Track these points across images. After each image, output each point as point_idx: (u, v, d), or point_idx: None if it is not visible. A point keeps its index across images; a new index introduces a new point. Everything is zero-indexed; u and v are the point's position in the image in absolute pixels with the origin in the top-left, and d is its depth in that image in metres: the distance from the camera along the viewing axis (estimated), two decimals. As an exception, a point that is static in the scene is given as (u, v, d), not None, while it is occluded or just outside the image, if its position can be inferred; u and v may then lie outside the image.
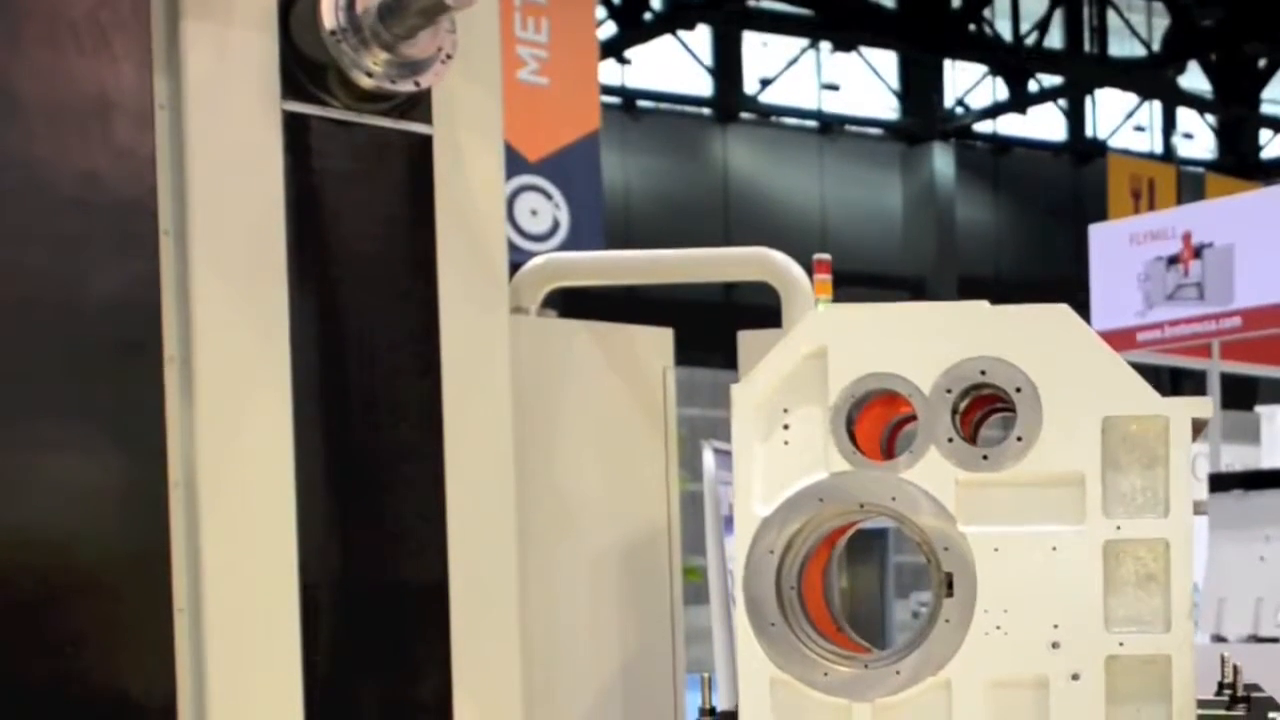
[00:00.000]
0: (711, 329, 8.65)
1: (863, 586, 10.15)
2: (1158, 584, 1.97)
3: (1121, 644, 1.94)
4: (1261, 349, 9.90)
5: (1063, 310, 2.00)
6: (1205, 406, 2.02)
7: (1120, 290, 10.26)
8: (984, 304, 1.98)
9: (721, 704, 2.06)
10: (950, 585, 1.91)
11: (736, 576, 1.86)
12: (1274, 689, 2.14)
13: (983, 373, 1.95)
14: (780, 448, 1.91)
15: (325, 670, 3.27)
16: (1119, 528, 1.96)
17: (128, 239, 3.33)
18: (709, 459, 6.00)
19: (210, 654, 3.09)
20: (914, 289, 20.35)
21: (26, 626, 3.12)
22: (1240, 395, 11.54)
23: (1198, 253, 10.05)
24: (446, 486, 3.47)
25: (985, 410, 2.02)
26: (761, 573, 1.87)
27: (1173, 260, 10.16)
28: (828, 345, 1.93)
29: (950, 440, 1.94)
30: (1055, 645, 1.92)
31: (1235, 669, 2.09)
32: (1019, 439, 1.95)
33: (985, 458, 1.94)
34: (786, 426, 1.92)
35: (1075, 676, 1.92)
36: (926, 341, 1.95)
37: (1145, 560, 1.98)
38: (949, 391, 1.94)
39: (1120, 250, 10.50)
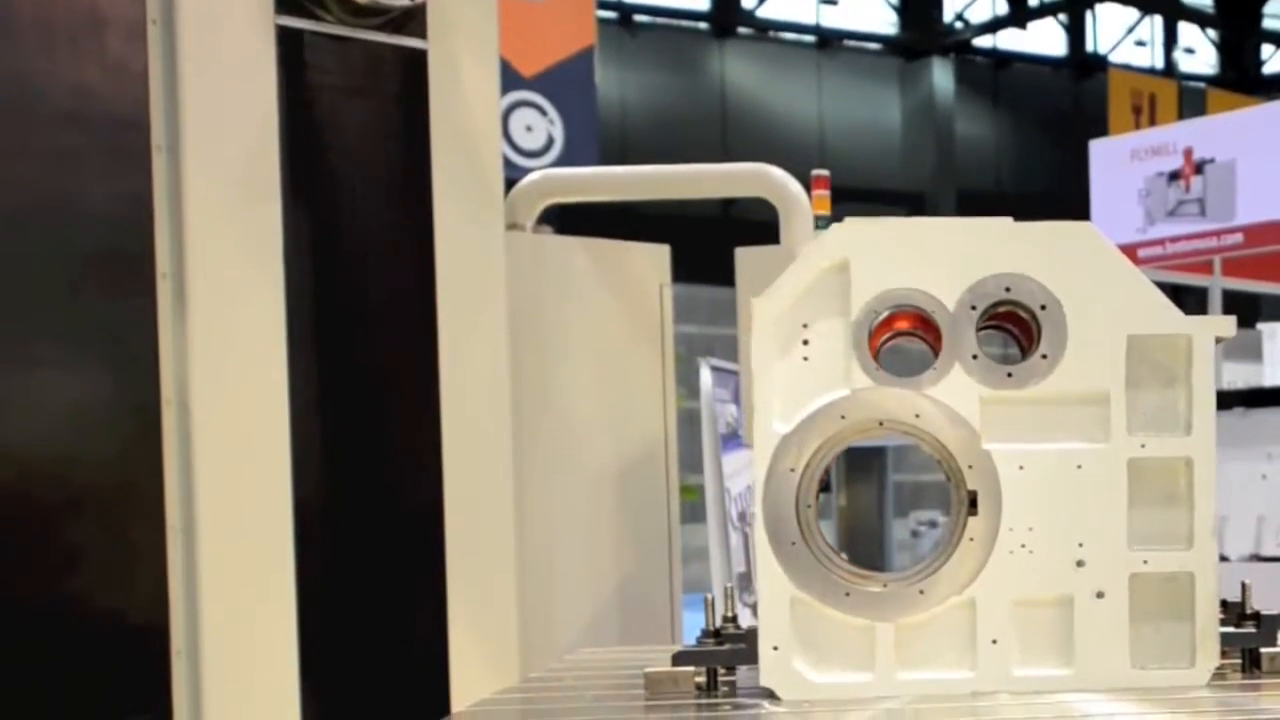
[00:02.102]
0: (709, 245, 8.60)
1: (862, 505, 10.21)
2: (1181, 502, 1.97)
3: (1145, 562, 1.93)
4: (1263, 265, 9.88)
5: (1087, 228, 1.97)
6: (1228, 325, 2.01)
7: (1121, 206, 10.20)
8: (1008, 220, 1.95)
9: (716, 624, 2.03)
10: (974, 503, 1.88)
11: (756, 494, 1.83)
12: (1275, 608, 2.13)
13: (1007, 289, 1.92)
14: (799, 363, 1.88)
15: (319, 589, 3.26)
16: (1143, 445, 1.95)
17: (120, 154, 3.27)
18: (706, 377, 5.99)
19: (203, 572, 3.08)
20: (913, 204, 20.27)
21: (17, 545, 3.10)
22: (1242, 312, 11.49)
23: (1199, 169, 9.98)
24: (441, 404, 3.45)
25: (979, 327, 1.99)
26: (782, 491, 1.84)
27: (1174, 176, 10.09)
28: (850, 259, 1.89)
29: (974, 357, 1.91)
30: (1080, 564, 1.91)
31: (1244, 586, 2.08)
32: (1043, 356, 1.93)
33: (1010, 375, 1.91)
34: (806, 342, 1.88)
35: (1100, 595, 1.91)
36: (950, 257, 1.91)
37: (1168, 478, 1.96)
38: (973, 308, 1.91)
39: (1121, 166, 10.42)
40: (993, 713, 1.78)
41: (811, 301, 1.89)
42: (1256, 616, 2.07)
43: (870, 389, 1.88)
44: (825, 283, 1.89)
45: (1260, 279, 10.08)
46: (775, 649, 1.82)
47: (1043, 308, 1.93)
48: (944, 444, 1.89)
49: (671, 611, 4.36)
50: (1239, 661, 2.04)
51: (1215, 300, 9.25)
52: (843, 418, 1.87)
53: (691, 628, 2.61)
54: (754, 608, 5.75)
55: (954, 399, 1.89)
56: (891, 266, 1.90)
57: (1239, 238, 9.60)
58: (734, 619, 1.99)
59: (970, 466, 1.89)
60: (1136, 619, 1.93)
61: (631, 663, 2.21)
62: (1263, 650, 2.04)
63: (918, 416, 1.88)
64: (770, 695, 1.85)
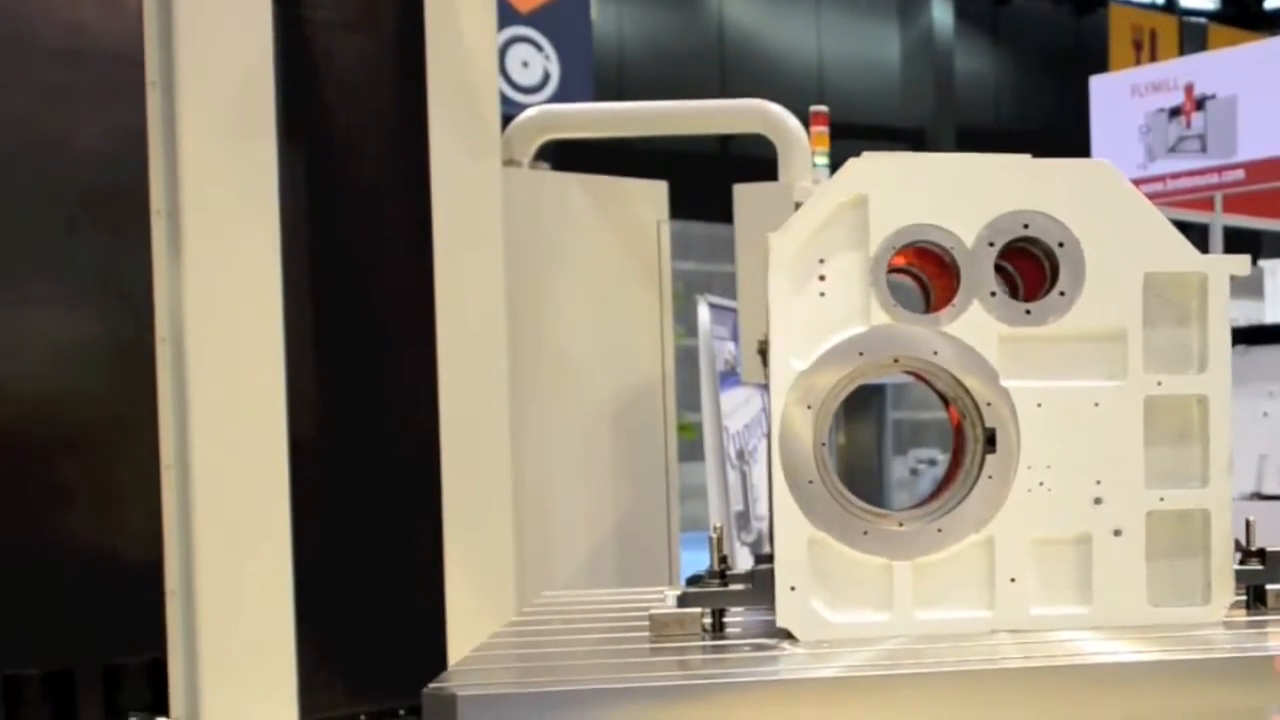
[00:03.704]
0: (707, 182, 8.52)
1: (861, 443, 10.20)
2: (1195, 439, 1.96)
3: (1162, 499, 1.92)
4: (1265, 202, 9.81)
5: (1104, 165, 1.96)
6: (1242, 264, 2.00)
7: (1121, 143, 10.11)
8: (1026, 157, 1.93)
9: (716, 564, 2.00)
10: (992, 441, 1.86)
11: (774, 432, 1.80)
12: (1277, 546, 2.12)
13: (1025, 226, 1.90)
14: (815, 299, 1.85)
15: (314, 525, 3.25)
16: (1160, 383, 1.94)
17: (114, 91, 3.22)
18: (704, 314, 5.96)
19: (198, 510, 3.07)
20: (912, 140, 20.12)
21: (11, 483, 3.09)
22: (1243, 249, 11.44)
23: (1200, 105, 9.88)
24: (437, 339, 3.43)
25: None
26: (798, 429, 1.82)
27: (1174, 112, 10.00)
28: (868, 194, 1.85)
29: (993, 294, 1.88)
30: (1098, 501, 1.90)
31: (1249, 523, 2.08)
32: (1061, 294, 1.91)
33: (1028, 312, 1.89)
34: (822, 278, 1.85)
35: (1117, 533, 1.90)
36: (969, 193, 1.89)
37: (1182, 416, 1.95)
38: (991, 244, 1.89)
39: (1121, 102, 10.32)
40: (997, 651, 1.77)
41: (828, 237, 1.86)
42: (1261, 553, 2.07)
43: (888, 325, 1.86)
44: (842, 218, 1.86)
45: (1262, 215, 10.03)
46: (792, 589, 1.81)
47: (1060, 245, 1.91)
48: (961, 381, 1.87)
49: (669, 549, 4.37)
50: (1243, 598, 2.04)
51: (1216, 237, 9.20)
52: (860, 354, 1.84)
53: (688, 566, 2.58)
54: (751, 546, 5.76)
55: (972, 336, 1.87)
56: (910, 202, 1.87)
57: (1240, 174, 9.53)
58: (724, 559, 1.96)
59: (989, 404, 1.87)
60: (1151, 556, 1.92)
61: (611, 604, 2.20)
62: (1268, 587, 2.04)
63: (935, 354, 1.86)
64: (786, 635, 1.83)
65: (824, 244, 1.85)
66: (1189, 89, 9.93)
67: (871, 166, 1.86)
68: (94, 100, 3.11)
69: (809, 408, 1.82)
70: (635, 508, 4.27)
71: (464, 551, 3.48)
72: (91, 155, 3.12)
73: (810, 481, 1.81)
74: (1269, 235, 11.43)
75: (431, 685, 1.53)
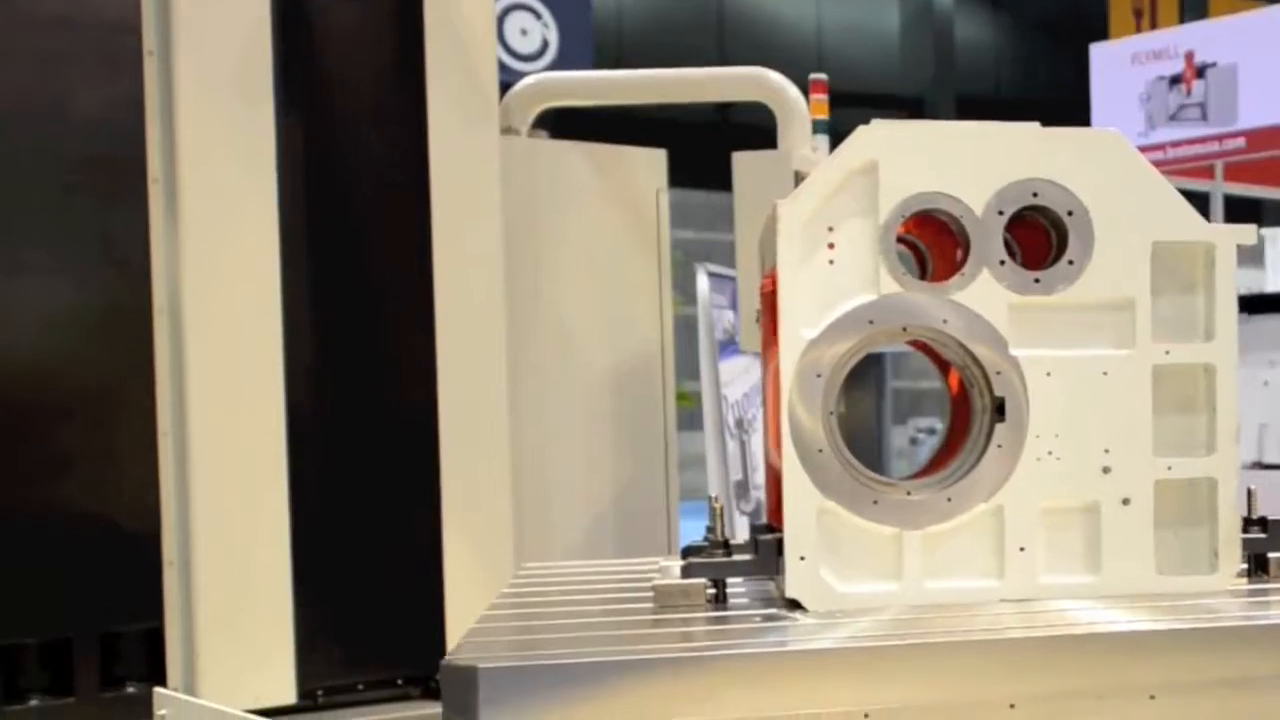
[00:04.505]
0: (706, 150, 8.49)
1: (860, 412, 10.20)
2: (1201, 408, 1.95)
3: (1169, 468, 1.92)
4: (1265, 170, 9.80)
5: (1114, 135, 1.95)
6: (1249, 233, 2.00)
7: (1122, 111, 10.10)
8: (1035, 125, 1.92)
9: (709, 534, 1.99)
10: (1001, 410, 1.86)
11: (783, 401, 1.79)
12: (1278, 515, 2.13)
13: (1035, 195, 1.89)
14: (825, 267, 1.84)
15: (312, 494, 3.25)
16: (1168, 352, 1.94)
17: (111, 59, 3.19)
18: (703, 282, 5.95)
19: (195, 479, 3.06)
20: (912, 109, 20.03)
21: (8, 451, 3.08)
22: (1244, 218, 11.40)
23: (1200, 72, 9.86)
24: (435, 309, 3.42)
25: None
26: (808, 398, 1.81)
27: (1175, 80, 9.97)
28: (878, 161, 1.84)
29: (1002, 263, 1.87)
30: (1106, 470, 1.90)
31: (1250, 492, 2.08)
32: (1070, 263, 1.91)
33: (1037, 281, 1.88)
34: (831, 245, 1.84)
35: (1126, 501, 1.90)
36: (979, 161, 1.88)
37: (1189, 384, 1.95)
38: (1001, 213, 1.87)
39: (1121, 70, 10.30)
40: (1004, 621, 1.77)
41: (837, 205, 1.85)
42: (1263, 522, 2.07)
43: (897, 294, 1.85)
44: (851, 186, 1.85)
45: (1262, 184, 10.02)
46: (802, 559, 1.80)
47: (1069, 214, 1.90)
48: (971, 350, 1.86)
49: (668, 519, 4.37)
50: (1245, 566, 2.04)
51: (1217, 205, 9.19)
52: (870, 323, 1.83)
53: (687, 535, 2.57)
54: (750, 515, 5.76)
55: (981, 305, 1.87)
56: (919, 170, 1.86)
57: (1241, 142, 9.52)
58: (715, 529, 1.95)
59: (998, 373, 1.86)
60: (1158, 525, 1.93)
61: (607, 574, 2.20)
62: (1270, 555, 2.04)
63: (945, 322, 1.85)
64: (793, 605, 1.82)
65: (833, 212, 1.84)
66: (1189, 57, 9.90)
67: (881, 134, 1.85)
68: (90, 68, 3.09)
69: (818, 376, 1.81)
70: (634, 477, 4.27)
71: (462, 521, 3.48)
72: (88, 124, 3.10)
73: (820, 451, 1.81)
74: (1270, 203, 11.41)
75: (449, 657, 1.52)
